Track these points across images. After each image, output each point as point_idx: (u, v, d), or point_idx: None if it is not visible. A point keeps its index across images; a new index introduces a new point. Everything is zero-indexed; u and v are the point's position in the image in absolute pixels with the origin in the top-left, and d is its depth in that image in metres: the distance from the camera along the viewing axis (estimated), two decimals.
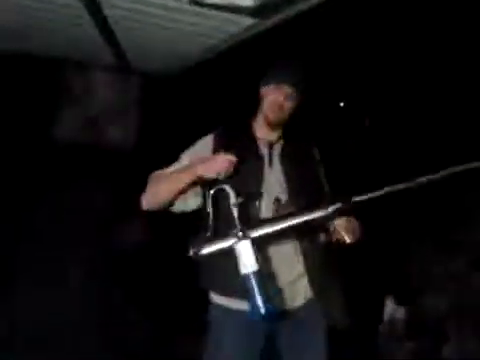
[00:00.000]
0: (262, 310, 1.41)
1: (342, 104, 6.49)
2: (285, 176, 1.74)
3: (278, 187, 1.72)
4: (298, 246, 1.73)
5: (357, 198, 1.55)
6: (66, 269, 3.48)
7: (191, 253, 1.52)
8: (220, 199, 1.55)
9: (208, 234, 1.52)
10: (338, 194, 1.67)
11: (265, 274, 1.58)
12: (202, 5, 2.29)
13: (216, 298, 1.74)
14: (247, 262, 1.44)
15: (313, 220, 1.55)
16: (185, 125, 4.70)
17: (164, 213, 1.77)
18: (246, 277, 1.44)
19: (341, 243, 1.65)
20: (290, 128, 1.81)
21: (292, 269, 1.72)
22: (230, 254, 1.48)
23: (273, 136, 1.79)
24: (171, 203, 1.71)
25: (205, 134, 1.83)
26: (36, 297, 3.09)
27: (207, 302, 1.78)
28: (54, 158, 4.06)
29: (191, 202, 1.73)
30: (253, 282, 1.43)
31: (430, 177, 1.55)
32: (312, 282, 1.75)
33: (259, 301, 1.41)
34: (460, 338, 3.31)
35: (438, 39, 4.36)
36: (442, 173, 1.55)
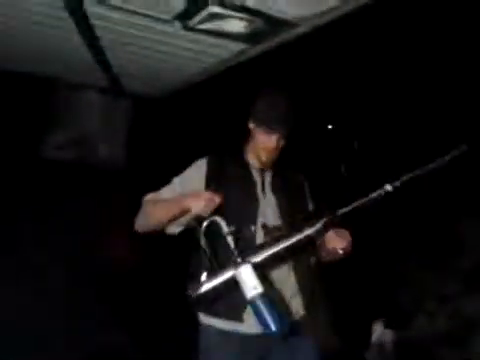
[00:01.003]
0: (273, 328, 1.43)
1: (330, 127, 6.57)
2: (277, 201, 1.75)
3: (272, 213, 1.73)
4: (289, 268, 1.73)
5: (342, 210, 1.60)
6: (50, 284, 3.45)
7: (191, 295, 1.53)
8: (213, 231, 1.57)
9: (205, 273, 1.53)
10: (323, 210, 1.70)
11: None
12: (195, 31, 2.34)
13: (206, 319, 1.73)
14: (251, 286, 1.46)
15: (305, 238, 1.58)
16: (174, 147, 4.72)
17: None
18: (252, 300, 1.46)
19: (333, 256, 1.67)
20: (280, 156, 1.81)
21: (283, 291, 1.72)
22: (229, 284, 1.50)
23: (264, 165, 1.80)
24: (162, 228, 1.73)
25: (193, 156, 1.84)
26: (18, 311, 3.06)
27: (196, 322, 1.76)
28: (42, 177, 4.04)
29: (180, 226, 1.73)
30: (260, 304, 1.45)
31: (403, 179, 1.61)
32: (303, 301, 1.75)
33: (270, 321, 1.43)
34: None
35: (423, 62, 4.46)
36: (420, 171, 1.62)
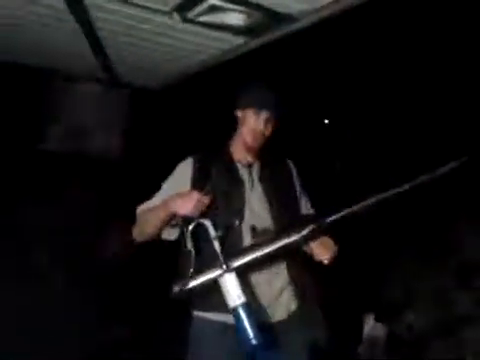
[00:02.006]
0: (253, 341, 1.46)
1: (326, 121, 6.58)
2: (266, 198, 1.76)
3: (260, 209, 1.74)
4: (280, 262, 1.75)
5: (330, 218, 1.62)
6: (49, 274, 3.46)
7: (175, 290, 1.56)
8: (201, 232, 1.60)
9: (191, 271, 1.56)
10: (311, 216, 1.76)
11: (248, 296, 1.62)
12: (194, 23, 2.34)
13: (197, 312, 1.74)
14: (234, 295, 1.49)
15: (291, 243, 1.61)
16: (171, 138, 4.72)
17: None
18: (235, 310, 1.48)
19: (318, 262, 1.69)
20: (266, 148, 1.81)
21: (275, 282, 1.74)
22: (214, 285, 1.53)
23: (251, 157, 1.80)
24: (158, 234, 1.76)
25: (189, 148, 1.85)
26: (15, 304, 3.06)
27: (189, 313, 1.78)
28: (39, 169, 4.03)
29: (174, 231, 1.74)
30: (242, 314, 1.48)
31: (395, 190, 1.62)
32: (297, 294, 1.78)
33: (249, 332, 1.46)
34: (441, 356, 3.34)
35: (418, 57, 4.48)
36: (410, 183, 1.63)
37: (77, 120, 4.42)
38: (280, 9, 1.99)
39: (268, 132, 1.74)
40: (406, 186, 1.63)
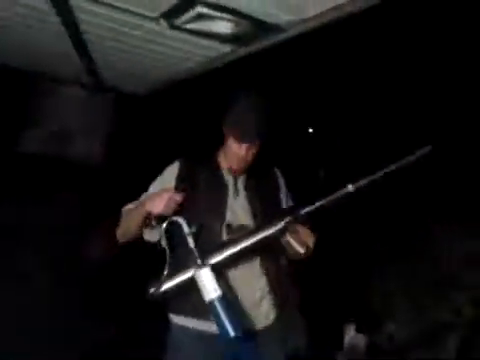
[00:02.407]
0: (231, 333, 1.45)
1: (311, 130, 6.63)
2: (250, 206, 1.76)
3: (242, 214, 1.74)
4: (260, 268, 1.75)
5: (304, 209, 1.62)
6: (32, 281, 3.40)
7: (151, 292, 1.55)
8: (177, 231, 1.59)
9: (165, 272, 1.55)
10: (286, 209, 1.76)
11: (229, 297, 1.61)
12: (181, 30, 2.34)
13: (175, 318, 1.74)
14: (210, 288, 1.48)
15: (267, 238, 1.60)
16: (155, 144, 4.70)
17: None
18: (211, 303, 1.47)
19: (296, 257, 1.68)
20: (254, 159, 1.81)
21: (253, 291, 1.74)
22: (192, 284, 1.52)
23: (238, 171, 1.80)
24: (139, 235, 1.76)
25: (173, 154, 1.85)
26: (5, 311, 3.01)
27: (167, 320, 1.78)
28: (22, 171, 3.98)
29: (155, 233, 1.73)
30: (218, 307, 1.47)
31: (366, 179, 1.63)
32: (276, 303, 1.77)
33: (227, 324, 1.44)
34: None
35: (403, 64, 4.55)
36: (379, 172, 1.64)
37: (61, 123, 4.38)
38: (267, 19, 2.00)
39: (250, 156, 1.74)
40: (378, 174, 1.63)
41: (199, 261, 1.52)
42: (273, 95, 1.80)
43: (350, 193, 1.61)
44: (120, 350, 3.12)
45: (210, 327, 1.65)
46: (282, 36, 2.22)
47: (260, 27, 2.09)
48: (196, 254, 1.53)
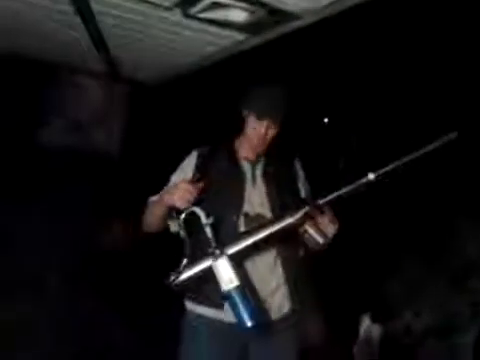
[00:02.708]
0: (248, 323, 1.46)
1: (326, 120, 6.57)
2: (267, 195, 1.76)
3: (260, 204, 1.74)
4: (276, 259, 1.74)
5: (324, 199, 1.60)
6: (43, 274, 3.44)
7: (171, 281, 1.56)
8: (195, 222, 1.59)
9: (185, 261, 1.56)
10: (304, 199, 1.75)
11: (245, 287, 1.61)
12: (196, 19, 2.33)
13: (190, 306, 1.75)
14: (227, 278, 1.49)
15: (285, 228, 1.59)
16: (171, 135, 4.71)
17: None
18: (228, 293, 1.47)
19: (316, 247, 1.66)
20: (274, 147, 1.82)
21: (268, 282, 1.73)
22: (209, 273, 1.53)
23: (256, 156, 1.80)
24: (163, 226, 1.79)
25: (190, 144, 1.86)
26: (11, 300, 3.05)
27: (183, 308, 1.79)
28: (38, 162, 4.02)
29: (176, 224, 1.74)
30: (236, 297, 1.47)
31: (386, 169, 1.58)
32: (291, 295, 1.76)
33: (244, 314, 1.46)
34: (435, 358, 3.35)
35: (421, 56, 4.46)
36: (399, 162, 1.59)
37: (75, 114, 4.41)
38: (283, 6, 1.97)
39: (270, 136, 1.74)
40: (400, 162, 1.59)
41: (217, 251, 1.52)
42: (289, 84, 1.79)
43: (371, 182, 1.58)
44: (134, 347, 3.15)
45: (225, 316, 1.67)
46: (298, 24, 2.20)
47: (275, 15, 2.07)
48: (214, 244, 1.54)
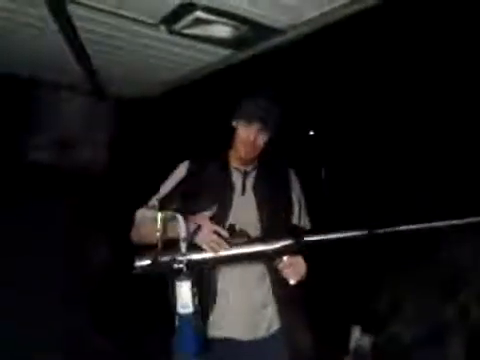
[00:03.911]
0: (190, 351, 1.49)
1: (312, 132, 6.64)
2: (257, 205, 1.74)
3: (249, 216, 1.72)
4: (264, 276, 1.73)
5: (307, 238, 1.58)
6: (30, 290, 3.39)
7: (135, 265, 1.56)
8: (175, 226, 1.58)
9: (155, 253, 1.55)
10: (290, 231, 1.69)
11: (223, 301, 1.65)
12: (180, 35, 2.34)
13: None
14: (184, 302, 1.49)
15: (261, 254, 1.59)
16: (156, 150, 4.70)
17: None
18: (180, 316, 1.49)
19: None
20: (266, 155, 1.82)
21: (254, 298, 1.71)
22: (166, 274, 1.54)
23: (248, 166, 1.80)
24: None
25: (175, 159, 1.86)
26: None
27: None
28: (21, 179, 3.97)
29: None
30: (186, 324, 1.48)
31: (384, 230, 1.57)
32: (280, 312, 1.74)
33: (188, 342, 1.48)
34: None
35: (406, 67, 4.54)
36: (404, 227, 1.59)
37: (61, 131, 4.38)
38: (266, 22, 2.00)
39: (260, 143, 1.73)
40: (400, 227, 1.59)
41: (185, 270, 1.51)
42: (276, 97, 1.80)
43: (363, 236, 1.57)
44: None
45: (215, 332, 1.66)
46: (282, 39, 2.22)
47: (259, 30, 2.10)
48: (184, 263, 1.52)
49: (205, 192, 1.71)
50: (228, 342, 1.68)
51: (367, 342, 3.70)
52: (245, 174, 1.78)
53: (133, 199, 1.93)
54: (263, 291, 1.72)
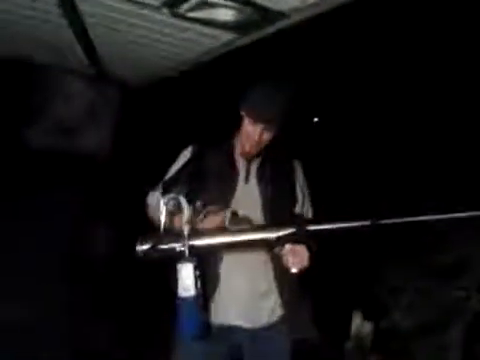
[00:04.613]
0: (188, 334, 1.51)
1: (316, 120, 6.60)
2: (259, 193, 1.74)
3: (251, 204, 1.72)
4: (267, 263, 1.73)
5: (310, 227, 1.55)
6: (36, 277, 3.42)
7: (138, 250, 1.54)
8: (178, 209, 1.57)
9: (157, 236, 1.54)
10: (293, 219, 1.69)
11: (225, 289, 1.65)
12: (183, 18, 2.32)
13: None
14: (186, 285, 1.48)
15: (262, 241, 1.56)
16: (161, 135, 4.69)
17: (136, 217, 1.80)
18: (181, 299, 1.48)
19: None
20: (271, 145, 1.79)
21: (256, 285, 1.71)
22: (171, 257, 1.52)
23: (251, 154, 1.78)
24: None
25: (180, 145, 1.85)
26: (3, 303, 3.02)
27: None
28: (25, 165, 3.98)
29: None
30: (187, 306, 1.48)
31: (390, 221, 1.54)
32: (282, 299, 1.75)
33: (188, 325, 1.49)
34: (426, 354, 3.37)
35: (413, 55, 4.48)
36: (408, 218, 1.55)
37: (65, 116, 4.38)
38: (270, 5, 1.98)
39: (264, 140, 1.71)
40: (405, 219, 1.56)
41: (187, 253, 1.50)
42: (279, 83, 1.76)
43: (368, 227, 1.53)
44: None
45: (214, 319, 1.68)
46: (286, 23, 2.20)
47: (263, 14, 2.07)
48: (187, 246, 1.51)
49: (209, 177, 1.71)
50: (231, 329, 1.70)
51: (368, 328, 3.73)
52: (249, 162, 1.78)
53: (140, 185, 1.93)
54: (266, 279, 1.73)
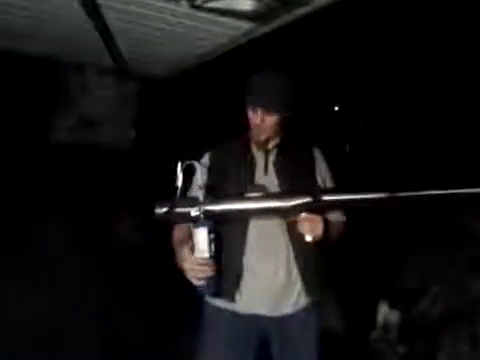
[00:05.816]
0: (203, 293, 1.57)
1: (337, 108, 6.53)
2: (279, 181, 1.73)
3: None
4: (290, 250, 1.71)
5: (326, 197, 1.53)
6: (62, 269, 3.49)
7: (157, 212, 1.57)
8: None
9: (174, 199, 1.55)
10: (310, 189, 1.64)
11: (249, 277, 1.66)
12: (202, 9, 2.32)
13: (208, 298, 1.76)
14: (201, 248, 1.50)
15: (277, 209, 1.55)
16: (182, 127, 4.72)
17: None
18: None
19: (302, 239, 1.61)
20: (288, 133, 1.79)
21: (280, 274, 1.70)
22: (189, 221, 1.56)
23: (268, 145, 1.77)
24: None
25: (201, 137, 1.85)
26: (30, 296, 3.09)
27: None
28: (50, 159, 4.05)
29: None
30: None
31: (408, 194, 1.52)
32: (307, 287, 1.73)
33: (205, 285, 1.52)
34: (454, 344, 3.32)
35: (430, 42, 4.39)
36: (420, 193, 1.53)
37: (87, 111, 4.43)
38: None
39: (267, 126, 1.69)
40: (418, 193, 1.53)
41: (201, 218, 1.52)
42: (297, 73, 1.74)
43: (382, 199, 1.50)
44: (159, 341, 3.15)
45: (240, 307, 1.68)
46: (305, 10, 2.17)
47: (281, 2, 2.05)
48: (201, 210, 1.52)
49: (229, 173, 1.71)
50: (256, 317, 1.70)
51: (395, 317, 3.69)
52: (267, 153, 1.77)
53: (160, 178, 1.93)
54: (290, 268, 1.71)
